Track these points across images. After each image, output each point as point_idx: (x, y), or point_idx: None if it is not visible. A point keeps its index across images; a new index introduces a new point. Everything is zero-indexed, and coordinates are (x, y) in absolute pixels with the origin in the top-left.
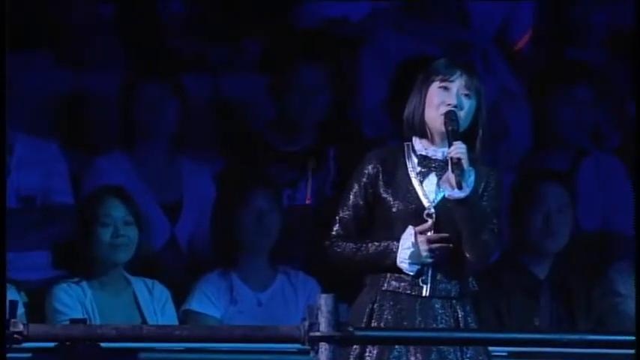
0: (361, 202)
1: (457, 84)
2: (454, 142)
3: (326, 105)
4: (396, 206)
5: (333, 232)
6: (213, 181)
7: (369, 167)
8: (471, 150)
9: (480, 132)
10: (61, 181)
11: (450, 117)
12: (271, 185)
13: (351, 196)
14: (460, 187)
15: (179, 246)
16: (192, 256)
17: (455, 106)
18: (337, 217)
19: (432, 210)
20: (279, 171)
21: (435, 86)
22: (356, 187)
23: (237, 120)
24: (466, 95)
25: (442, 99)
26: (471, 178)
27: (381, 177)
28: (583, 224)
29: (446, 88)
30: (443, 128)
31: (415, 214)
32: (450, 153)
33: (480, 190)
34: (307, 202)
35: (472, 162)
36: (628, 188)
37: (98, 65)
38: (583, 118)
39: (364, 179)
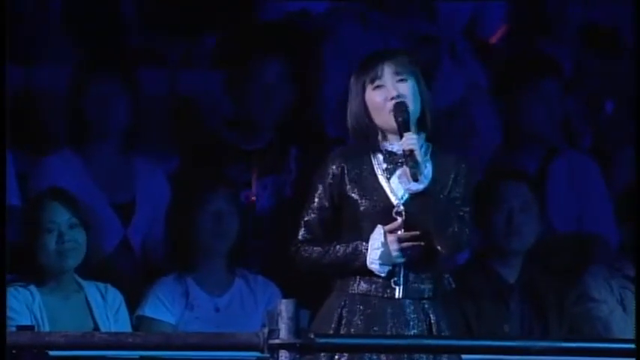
0: (326, 204)
1: (387, 75)
2: (404, 134)
3: (287, 102)
4: (363, 205)
5: (299, 237)
6: (168, 181)
7: (333, 167)
8: (430, 138)
9: (428, 115)
10: (8, 182)
11: (400, 108)
12: (229, 185)
13: (316, 198)
14: (416, 179)
15: (132, 248)
16: (146, 259)
17: (398, 96)
18: (302, 221)
19: (402, 208)
20: (237, 171)
21: (369, 90)
22: (320, 188)
23: (194, 117)
24: (400, 80)
25: (382, 97)
26: (427, 169)
27: (346, 176)
28: (556, 225)
29: (379, 86)
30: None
31: (383, 212)
32: (402, 145)
33: (451, 180)
34: (252, 199)
35: (434, 151)
36: (602, 188)
37: (47, 60)
38: (555, 115)
39: (329, 179)
